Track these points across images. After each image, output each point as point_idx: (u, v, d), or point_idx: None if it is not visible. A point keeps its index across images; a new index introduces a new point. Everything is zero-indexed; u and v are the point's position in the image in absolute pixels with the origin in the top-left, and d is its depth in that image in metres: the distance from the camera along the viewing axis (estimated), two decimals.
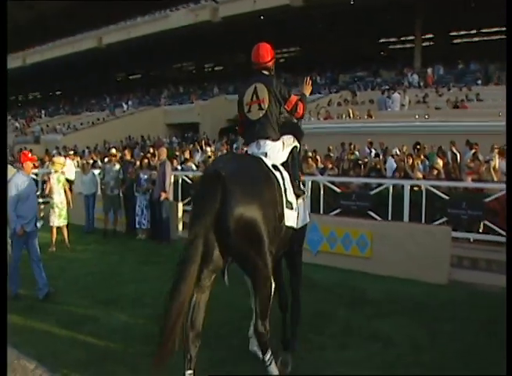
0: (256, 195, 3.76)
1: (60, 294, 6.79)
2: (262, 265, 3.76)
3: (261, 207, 3.72)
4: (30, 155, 7.25)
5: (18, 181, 6.72)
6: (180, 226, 11.02)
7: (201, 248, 3.54)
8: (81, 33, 43.11)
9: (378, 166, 11.50)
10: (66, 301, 6.51)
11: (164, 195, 10.31)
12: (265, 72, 4.59)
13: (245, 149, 4.58)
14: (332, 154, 14.52)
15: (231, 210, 3.57)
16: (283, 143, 4.47)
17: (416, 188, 9.58)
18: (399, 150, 14.21)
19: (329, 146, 15.83)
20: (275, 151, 4.36)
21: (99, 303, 6.42)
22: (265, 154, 4.31)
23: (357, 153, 15.02)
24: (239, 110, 4.55)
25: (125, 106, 40.13)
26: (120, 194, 11.43)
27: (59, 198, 9.81)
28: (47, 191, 9.94)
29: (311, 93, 4.88)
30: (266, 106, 4.32)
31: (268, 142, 4.35)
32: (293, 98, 4.42)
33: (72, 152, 19.34)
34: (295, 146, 4.57)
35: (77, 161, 18.19)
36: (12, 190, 6.59)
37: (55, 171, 10.11)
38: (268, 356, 3.98)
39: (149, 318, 5.84)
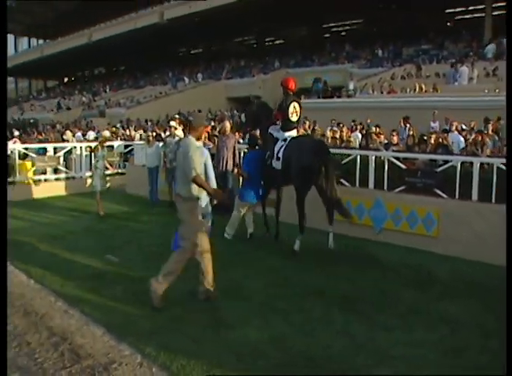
0: None
1: (126, 263, 6.99)
2: None
3: None
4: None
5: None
6: None
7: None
8: (143, 9, 43.61)
9: (445, 142, 11.06)
10: (132, 271, 6.67)
11: (235, 168, 10.39)
12: (294, 94, 8.08)
13: (282, 131, 8.00)
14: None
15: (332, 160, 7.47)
16: None
17: (486, 166, 9.16)
18: (466, 126, 13.67)
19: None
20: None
21: None
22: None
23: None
24: (282, 112, 7.91)
25: (187, 80, 40.48)
26: None
27: None
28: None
29: None
30: (299, 114, 8.02)
31: (296, 131, 8.10)
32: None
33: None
34: None
35: (141, 134, 18.64)
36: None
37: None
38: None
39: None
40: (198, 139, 5.57)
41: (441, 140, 11.07)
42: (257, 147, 8.79)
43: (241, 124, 9.45)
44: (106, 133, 12.36)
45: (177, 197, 5.64)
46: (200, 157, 5.49)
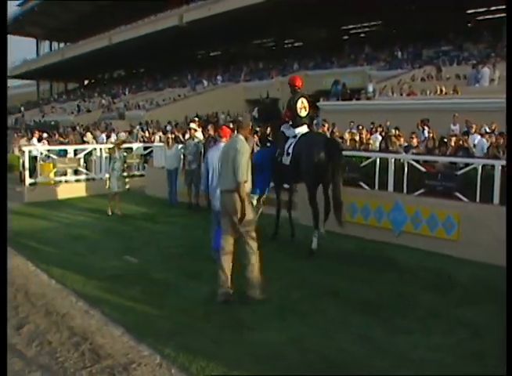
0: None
1: (145, 264, 7.04)
2: None
3: None
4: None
5: None
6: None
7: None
8: (162, 12, 43.96)
9: (465, 144, 10.95)
10: (151, 272, 6.71)
11: None
12: (301, 91, 8.22)
13: (292, 128, 8.08)
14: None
15: (341, 159, 7.66)
16: None
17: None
18: (488, 128, 13.51)
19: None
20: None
21: (182, 275, 6.56)
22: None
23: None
24: (290, 109, 8.03)
25: (206, 83, 40.66)
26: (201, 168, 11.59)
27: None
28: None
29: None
30: (308, 110, 8.10)
31: (306, 127, 8.10)
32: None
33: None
34: None
35: (160, 136, 18.74)
36: None
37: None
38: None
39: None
40: (245, 137, 5.81)
41: (461, 143, 10.96)
42: (268, 144, 8.99)
43: (254, 120, 9.58)
44: (123, 135, 12.48)
45: (225, 193, 5.71)
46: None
